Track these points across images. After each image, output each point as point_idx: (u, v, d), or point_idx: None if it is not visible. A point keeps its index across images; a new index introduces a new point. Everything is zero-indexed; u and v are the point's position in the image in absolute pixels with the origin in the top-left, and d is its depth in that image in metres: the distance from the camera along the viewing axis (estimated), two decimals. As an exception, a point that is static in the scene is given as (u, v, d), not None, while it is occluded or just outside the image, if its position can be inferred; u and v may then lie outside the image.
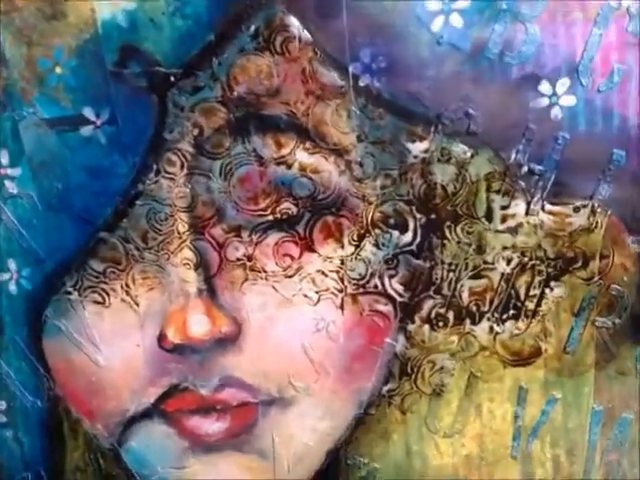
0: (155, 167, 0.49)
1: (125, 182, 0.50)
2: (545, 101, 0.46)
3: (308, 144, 0.48)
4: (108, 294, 0.52)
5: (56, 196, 0.51)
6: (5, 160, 0.51)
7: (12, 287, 0.54)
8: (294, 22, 0.46)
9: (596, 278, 0.50)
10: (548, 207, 0.49)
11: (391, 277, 0.51)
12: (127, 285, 0.52)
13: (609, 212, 0.49)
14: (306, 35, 0.46)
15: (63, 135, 0.49)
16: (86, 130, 0.49)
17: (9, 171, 0.51)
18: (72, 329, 0.53)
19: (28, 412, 0.56)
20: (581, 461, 0.54)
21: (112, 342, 0.53)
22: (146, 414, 0.54)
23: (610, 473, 0.54)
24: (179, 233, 0.50)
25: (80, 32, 0.47)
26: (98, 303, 0.52)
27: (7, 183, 0.51)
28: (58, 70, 0.48)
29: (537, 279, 0.50)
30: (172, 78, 0.47)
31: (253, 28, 0.46)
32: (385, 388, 0.53)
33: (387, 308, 0.51)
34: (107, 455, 0.56)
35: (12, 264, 0.53)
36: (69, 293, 0.52)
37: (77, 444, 0.57)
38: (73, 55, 0.48)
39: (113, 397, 0.54)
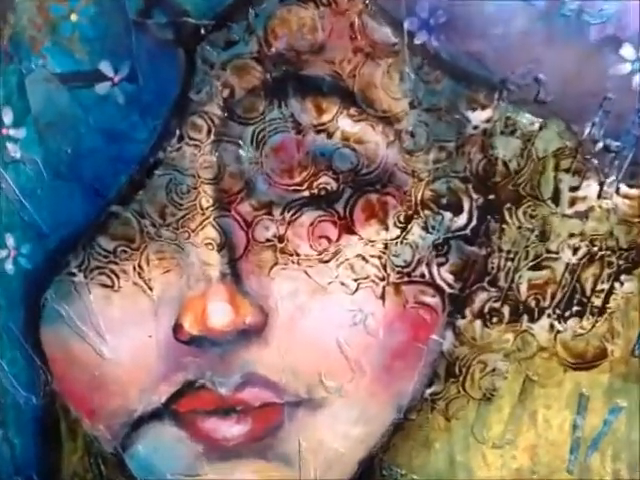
0: (178, 132, 0.43)
1: (143, 148, 0.44)
2: (627, 67, 0.40)
3: (353, 110, 0.42)
4: (118, 276, 0.46)
5: (65, 162, 0.45)
6: (8, 119, 0.45)
7: (9, 266, 0.47)
8: (344, -31, 0.40)
9: (673, 272, 0.44)
10: (624, 190, 0.43)
11: (440, 265, 0.45)
12: (140, 266, 0.46)
13: (691, 197, 0.43)
14: None
15: (76, 92, 0.43)
16: (102, 87, 0.43)
17: (12, 132, 0.45)
18: (75, 315, 0.47)
19: (21, 409, 0.50)
20: (645, 477, 0.48)
21: (120, 331, 0.47)
22: (155, 414, 0.48)
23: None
24: (202, 209, 0.44)
25: (100, -25, 0.41)
26: (106, 286, 0.46)
27: (9, 146, 0.45)
28: (73, 18, 0.43)
29: (606, 272, 0.44)
30: (202, 30, 0.42)
31: None
32: (428, 391, 0.47)
33: (434, 300, 0.45)
34: (109, 460, 0.50)
35: (10, 239, 0.47)
36: (73, 274, 0.46)
37: (75, 447, 0.51)
38: (91, 1, 0.42)
39: (118, 394, 0.48)
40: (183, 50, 0.42)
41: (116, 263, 0.46)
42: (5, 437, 0.50)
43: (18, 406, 0.50)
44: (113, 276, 0.46)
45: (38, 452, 0.51)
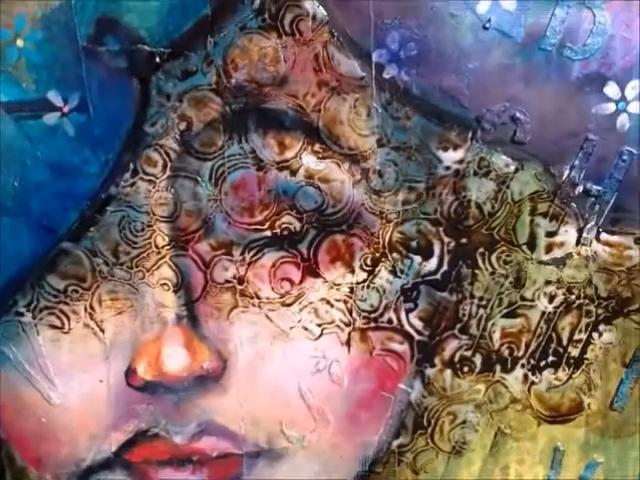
0: (132, 166, 0.38)
1: (95, 183, 0.39)
2: (611, 107, 0.36)
3: (318, 146, 0.38)
4: (68, 317, 0.41)
5: (11, 197, 0.39)
6: (-49, 152, 0.39)
7: (-47, 305, 0.42)
8: (308, -4, 0.36)
9: (654, 323, 0.40)
10: (604, 236, 0.39)
11: (409, 311, 0.40)
12: (92, 307, 0.41)
13: (675, 245, 0.39)
14: (322, 13, 0.36)
15: (22, 123, 0.38)
16: (51, 118, 0.38)
17: (-45, 165, 0.40)
18: (22, 358, 0.41)
19: None
20: (622, 537, 0.43)
21: (70, 376, 0.41)
22: (106, 464, 0.43)
23: None
24: (157, 247, 0.40)
25: (48, -2, 0.36)
26: (56, 328, 0.41)
27: (-48, 179, 0.39)
28: (19, 43, 0.37)
29: (584, 321, 0.40)
30: (158, 59, 0.37)
31: (258, 2, 0.36)
32: (395, 443, 0.43)
33: (402, 347, 0.41)
34: None
35: (-46, 278, 0.41)
36: (21, 314, 0.41)
37: None
38: (38, 26, 0.37)
39: (66, 443, 0.42)
40: (137, 80, 0.37)
41: (66, 303, 0.41)
42: (-54, 486, 0.45)
43: (-40, 454, 0.45)
44: (63, 317, 0.41)
45: (-19, 503, 0.46)
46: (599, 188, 0.38)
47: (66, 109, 0.38)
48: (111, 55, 0.37)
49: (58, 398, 0.42)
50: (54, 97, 0.38)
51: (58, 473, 0.43)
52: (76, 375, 0.42)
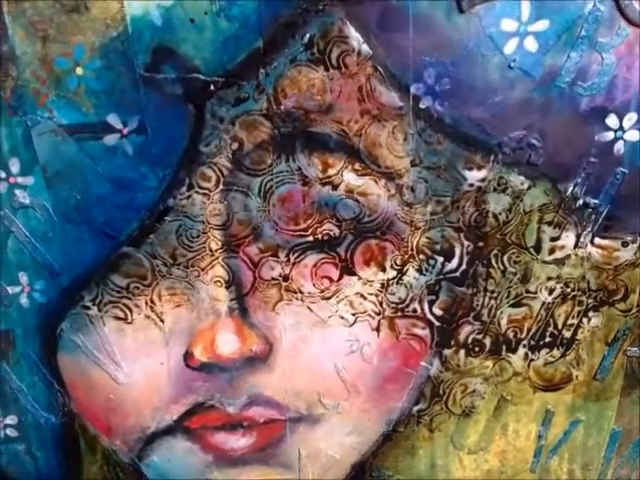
0: (187, 181, 0.41)
1: (153, 196, 0.41)
2: (610, 135, 0.39)
3: (358, 165, 0.40)
4: (131, 310, 0.44)
5: (74, 208, 0.41)
6: (15, 168, 0.40)
7: (23, 300, 0.44)
8: (353, 33, 0.37)
9: (634, 310, 0.45)
10: (597, 240, 0.43)
11: (431, 302, 0.44)
12: (152, 301, 0.44)
13: (656, 248, 0.43)
14: (366, 49, 0.37)
15: (83, 143, 0.40)
16: (110, 139, 0.39)
17: (20, 180, 0.41)
18: (90, 345, 0.45)
19: (41, 427, 0.48)
20: (594, 475, 0.51)
21: (134, 359, 0.45)
22: (168, 431, 0.47)
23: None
24: (211, 251, 0.43)
25: (106, 29, 0.37)
26: (119, 319, 0.44)
27: (18, 192, 0.41)
28: (79, 71, 0.38)
29: (577, 309, 0.45)
30: (212, 87, 0.38)
31: (307, 37, 0.37)
32: (415, 408, 0.48)
33: (424, 332, 0.45)
34: (127, 469, 0.50)
35: (23, 277, 0.44)
36: (87, 308, 0.44)
37: (95, 459, 0.50)
38: (97, 55, 0.38)
39: (133, 414, 0.47)
40: (192, 105, 0.38)
41: (129, 298, 0.44)
42: (28, 451, 0.49)
43: (38, 424, 0.48)
44: (126, 310, 0.44)
45: (60, 463, 0.50)
46: (596, 201, 0.41)
47: (125, 131, 0.40)
48: (168, 82, 0.38)
49: (124, 378, 0.46)
50: (114, 120, 0.39)
51: (126, 439, 0.48)
52: (140, 359, 0.45)
